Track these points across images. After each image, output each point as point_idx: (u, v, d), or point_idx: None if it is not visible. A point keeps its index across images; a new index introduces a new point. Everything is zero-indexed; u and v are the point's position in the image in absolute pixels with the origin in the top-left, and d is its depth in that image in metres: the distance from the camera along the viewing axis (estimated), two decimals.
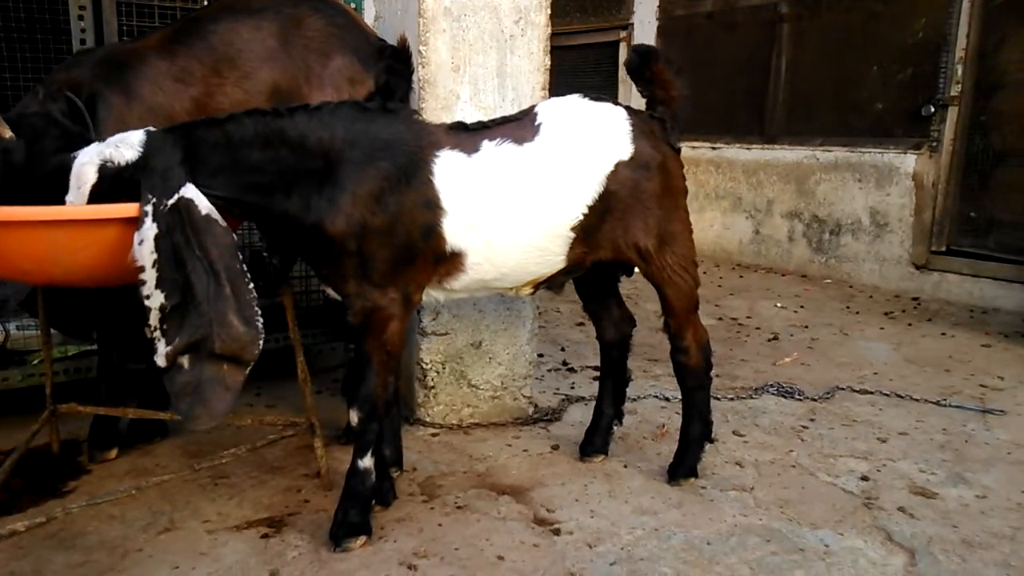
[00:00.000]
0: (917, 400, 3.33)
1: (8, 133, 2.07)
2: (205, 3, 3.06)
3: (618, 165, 2.19)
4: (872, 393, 3.41)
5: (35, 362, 2.79)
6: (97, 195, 1.89)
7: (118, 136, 1.93)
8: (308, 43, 2.52)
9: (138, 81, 2.36)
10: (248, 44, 2.47)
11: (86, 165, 1.89)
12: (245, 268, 1.92)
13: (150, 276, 1.84)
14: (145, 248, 1.83)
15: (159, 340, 1.87)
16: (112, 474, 2.51)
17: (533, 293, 2.41)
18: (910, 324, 4.67)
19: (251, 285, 1.92)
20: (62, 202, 1.96)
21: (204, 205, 1.89)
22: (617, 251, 2.27)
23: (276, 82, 2.49)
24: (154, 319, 1.86)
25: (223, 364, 1.90)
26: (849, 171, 5.78)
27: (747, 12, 6.52)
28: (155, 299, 1.85)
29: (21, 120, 2.14)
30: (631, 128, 2.23)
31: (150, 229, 1.83)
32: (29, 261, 1.92)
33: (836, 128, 5.91)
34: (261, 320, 1.92)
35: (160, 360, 1.87)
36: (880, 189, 5.59)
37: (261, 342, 1.92)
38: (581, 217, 2.18)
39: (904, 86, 5.47)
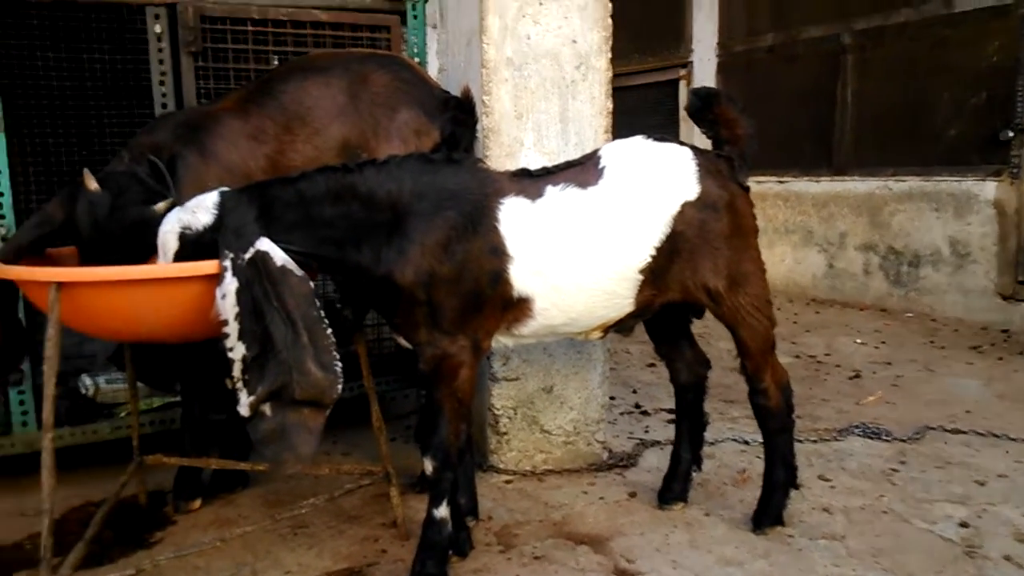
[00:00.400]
0: (1015, 439, 3.14)
1: (94, 186, 2.19)
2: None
3: (684, 206, 2.17)
4: (965, 432, 3.23)
5: (123, 414, 2.89)
6: (181, 260, 1.97)
7: (195, 200, 2.01)
8: (375, 98, 2.59)
9: (214, 141, 2.46)
10: (318, 101, 2.56)
11: (168, 234, 1.98)
12: (322, 314, 1.96)
13: (233, 329, 1.89)
14: (228, 302, 1.89)
15: (241, 391, 1.91)
16: (196, 524, 2.56)
17: (603, 337, 2.38)
18: (1000, 358, 4.43)
19: (329, 330, 1.96)
20: (141, 252, 2.04)
21: (279, 256, 1.94)
22: (686, 293, 2.24)
23: (346, 137, 2.57)
24: (237, 370, 1.91)
25: (304, 409, 1.94)
26: (925, 200, 5.59)
27: (809, 44, 6.45)
28: (238, 351, 1.90)
29: (107, 177, 2.27)
30: (697, 168, 2.21)
31: (231, 283, 1.89)
32: (117, 320, 2.00)
33: (908, 157, 5.74)
34: (339, 364, 1.96)
35: (243, 410, 1.91)
36: (959, 218, 5.38)
37: (340, 385, 1.95)
38: (648, 259, 2.15)
39: (978, 111, 5.29)
